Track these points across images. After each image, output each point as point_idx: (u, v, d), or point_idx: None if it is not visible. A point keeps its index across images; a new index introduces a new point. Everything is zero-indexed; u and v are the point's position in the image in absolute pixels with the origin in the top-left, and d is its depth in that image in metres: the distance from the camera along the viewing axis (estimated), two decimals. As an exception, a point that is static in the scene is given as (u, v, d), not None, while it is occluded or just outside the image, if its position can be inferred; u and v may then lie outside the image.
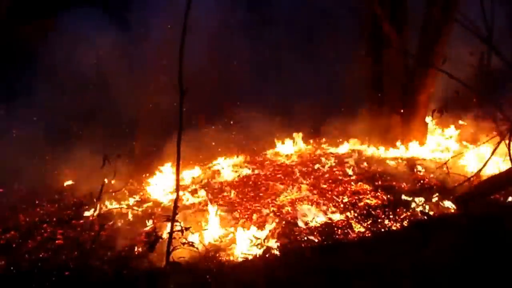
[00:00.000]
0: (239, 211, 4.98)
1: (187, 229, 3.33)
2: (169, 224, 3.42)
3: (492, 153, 4.77)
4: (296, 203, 5.03)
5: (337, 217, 4.74)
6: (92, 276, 3.85)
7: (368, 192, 5.23)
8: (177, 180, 3.27)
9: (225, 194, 5.50)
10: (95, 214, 4.64)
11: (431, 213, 4.70)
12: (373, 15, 6.72)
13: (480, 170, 5.08)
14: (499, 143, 4.83)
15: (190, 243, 3.48)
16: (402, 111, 6.79)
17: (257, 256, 4.03)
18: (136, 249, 4.31)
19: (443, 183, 5.28)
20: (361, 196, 5.13)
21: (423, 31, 6.62)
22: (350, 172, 5.81)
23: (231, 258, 4.08)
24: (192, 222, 4.47)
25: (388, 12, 6.62)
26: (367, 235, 4.27)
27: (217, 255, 4.09)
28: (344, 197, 5.15)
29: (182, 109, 3.12)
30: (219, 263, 3.92)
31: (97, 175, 4.34)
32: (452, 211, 4.69)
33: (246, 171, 6.20)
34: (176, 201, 3.33)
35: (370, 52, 7.05)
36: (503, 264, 3.25)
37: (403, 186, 5.34)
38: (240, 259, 4.03)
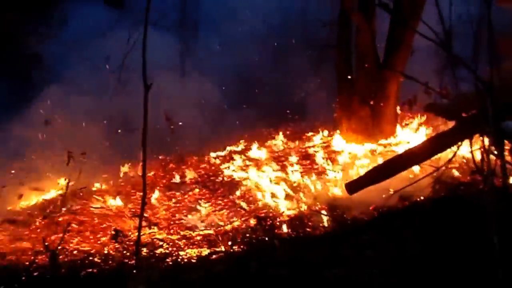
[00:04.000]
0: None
1: (155, 224, 3.30)
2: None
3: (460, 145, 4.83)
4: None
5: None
6: (61, 275, 3.79)
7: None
8: (144, 176, 3.22)
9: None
10: (61, 212, 4.56)
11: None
12: (343, 4, 6.77)
13: (451, 158, 5.14)
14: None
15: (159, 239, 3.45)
16: (372, 102, 6.83)
17: (227, 248, 4.02)
18: (104, 246, 4.25)
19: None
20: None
21: (392, 22, 6.71)
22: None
23: (202, 251, 4.06)
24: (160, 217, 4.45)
25: (357, 2, 6.66)
26: (335, 227, 4.30)
27: (186, 248, 4.06)
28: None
29: (147, 104, 3.06)
30: (189, 257, 3.89)
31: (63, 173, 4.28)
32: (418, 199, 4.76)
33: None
34: (144, 197, 3.29)
35: (340, 43, 7.09)
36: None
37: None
38: (210, 252, 4.01)
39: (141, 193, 3.33)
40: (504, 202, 3.06)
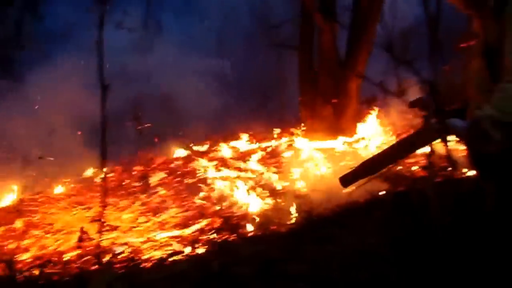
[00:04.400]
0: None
1: (116, 228, 3.27)
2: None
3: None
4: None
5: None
6: (21, 284, 3.69)
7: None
8: (104, 180, 3.20)
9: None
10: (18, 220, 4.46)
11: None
12: (304, 5, 6.86)
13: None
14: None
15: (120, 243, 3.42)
16: (334, 101, 6.93)
17: (192, 249, 4.01)
18: (64, 253, 4.17)
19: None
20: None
21: (352, 23, 6.84)
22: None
23: (165, 252, 4.03)
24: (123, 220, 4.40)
25: (318, 3, 6.75)
26: (299, 223, 4.34)
27: (149, 251, 4.03)
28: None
29: (105, 105, 3.04)
30: (152, 259, 3.87)
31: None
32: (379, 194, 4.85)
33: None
34: (103, 201, 3.27)
35: (302, 43, 7.17)
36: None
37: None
38: (173, 253, 3.99)
39: (103, 196, 3.33)
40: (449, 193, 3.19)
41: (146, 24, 9.65)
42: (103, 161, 3.12)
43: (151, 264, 3.84)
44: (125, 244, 4.03)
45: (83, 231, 3.93)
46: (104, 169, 3.36)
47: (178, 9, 9.91)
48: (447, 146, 2.47)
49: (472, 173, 5.02)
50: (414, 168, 5.46)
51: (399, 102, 6.07)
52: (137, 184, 5.80)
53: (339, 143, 6.69)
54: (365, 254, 3.49)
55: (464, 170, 5.04)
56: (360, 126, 7.01)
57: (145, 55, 8.76)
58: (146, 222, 4.58)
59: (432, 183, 4.10)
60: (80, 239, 3.73)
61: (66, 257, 4.09)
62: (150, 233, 4.40)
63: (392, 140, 6.35)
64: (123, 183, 5.87)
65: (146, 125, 7.05)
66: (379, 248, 3.53)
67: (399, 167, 5.33)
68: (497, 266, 2.49)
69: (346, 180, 2.75)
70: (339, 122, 6.91)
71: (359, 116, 7.05)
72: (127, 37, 8.24)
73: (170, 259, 3.94)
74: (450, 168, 4.02)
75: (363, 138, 6.76)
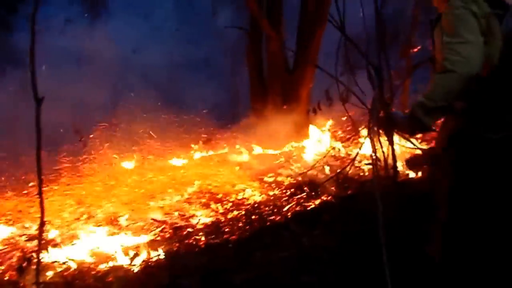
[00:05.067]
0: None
1: (57, 245, 3.16)
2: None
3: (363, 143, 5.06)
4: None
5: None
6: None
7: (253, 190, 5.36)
8: (41, 194, 3.08)
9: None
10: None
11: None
12: (251, 12, 6.90)
13: (355, 157, 5.36)
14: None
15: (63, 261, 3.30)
16: (285, 107, 6.98)
17: (141, 261, 3.94)
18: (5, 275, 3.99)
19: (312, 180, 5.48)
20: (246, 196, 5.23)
21: (299, 30, 6.93)
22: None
23: (113, 266, 3.93)
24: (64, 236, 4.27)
25: (264, 9, 6.80)
26: (249, 231, 4.34)
27: (96, 265, 3.93)
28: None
29: (39, 119, 2.93)
30: (99, 274, 3.77)
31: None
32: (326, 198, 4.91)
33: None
34: (42, 217, 3.14)
35: (251, 51, 7.21)
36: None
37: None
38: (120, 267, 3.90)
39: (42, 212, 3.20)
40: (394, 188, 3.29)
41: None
42: (39, 177, 3.01)
43: (97, 278, 3.74)
44: (72, 260, 3.90)
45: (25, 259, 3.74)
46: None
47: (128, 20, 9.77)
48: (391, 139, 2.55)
49: (414, 175, 5.24)
50: (363, 169, 5.60)
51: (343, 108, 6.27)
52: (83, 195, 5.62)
53: (290, 149, 6.74)
54: (312, 259, 3.53)
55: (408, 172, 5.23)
56: (309, 132, 7.09)
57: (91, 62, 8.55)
58: (91, 235, 4.46)
59: (379, 185, 4.20)
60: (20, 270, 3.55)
61: (8, 277, 3.91)
62: (96, 246, 4.29)
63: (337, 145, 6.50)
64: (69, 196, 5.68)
65: (89, 136, 6.86)
66: (326, 252, 3.58)
67: (349, 171, 5.45)
68: (442, 268, 2.57)
69: (412, 163, 2.76)
70: (290, 128, 6.96)
71: (309, 123, 7.12)
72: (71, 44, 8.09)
73: (117, 272, 3.86)
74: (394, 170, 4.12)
75: (315, 143, 6.85)
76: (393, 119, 2.47)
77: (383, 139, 2.75)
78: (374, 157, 2.64)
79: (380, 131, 2.69)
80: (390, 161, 2.95)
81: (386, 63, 3.04)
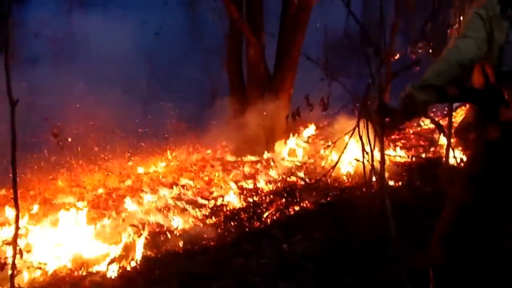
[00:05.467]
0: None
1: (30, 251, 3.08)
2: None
3: (344, 149, 5.07)
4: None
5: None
6: None
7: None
8: (16, 200, 3.02)
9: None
10: None
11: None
12: (231, 17, 6.89)
13: (337, 161, 5.38)
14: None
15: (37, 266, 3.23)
16: (264, 113, 6.97)
17: (118, 267, 3.88)
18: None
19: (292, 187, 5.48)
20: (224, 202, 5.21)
21: (280, 35, 6.94)
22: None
23: (88, 271, 3.86)
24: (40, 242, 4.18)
25: (245, 15, 6.81)
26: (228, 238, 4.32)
27: (71, 271, 3.86)
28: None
29: (14, 123, 2.87)
30: (74, 280, 3.70)
31: None
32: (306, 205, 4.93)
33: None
34: (16, 220, 3.07)
35: (231, 57, 7.20)
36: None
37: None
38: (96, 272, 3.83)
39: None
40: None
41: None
42: (14, 181, 2.95)
43: (73, 284, 3.67)
44: (45, 266, 3.82)
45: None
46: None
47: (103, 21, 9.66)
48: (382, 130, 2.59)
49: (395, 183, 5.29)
50: (343, 177, 5.62)
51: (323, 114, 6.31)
52: (57, 201, 5.52)
53: (268, 156, 6.73)
54: (291, 266, 3.53)
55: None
56: (289, 139, 7.10)
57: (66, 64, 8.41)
58: (66, 241, 4.37)
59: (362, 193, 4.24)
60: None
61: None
62: (70, 252, 4.21)
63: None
64: (45, 201, 5.58)
65: (67, 140, 6.74)
66: (305, 259, 3.58)
67: (328, 179, 5.47)
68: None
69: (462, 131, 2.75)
70: (270, 135, 6.95)
71: (289, 129, 7.12)
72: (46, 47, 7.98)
73: (93, 278, 3.79)
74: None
75: (294, 149, 6.86)
76: (386, 105, 2.55)
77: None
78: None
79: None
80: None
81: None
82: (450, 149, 4.99)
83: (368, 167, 3.66)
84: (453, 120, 5.42)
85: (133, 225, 4.67)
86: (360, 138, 3.79)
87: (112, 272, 3.83)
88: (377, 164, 3.24)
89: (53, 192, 5.79)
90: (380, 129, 2.65)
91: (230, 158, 6.79)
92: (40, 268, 3.30)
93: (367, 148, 3.55)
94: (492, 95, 2.37)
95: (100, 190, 5.85)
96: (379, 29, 3.15)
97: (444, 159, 5.20)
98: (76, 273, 3.84)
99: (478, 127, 2.43)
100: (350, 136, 5.16)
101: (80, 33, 9.30)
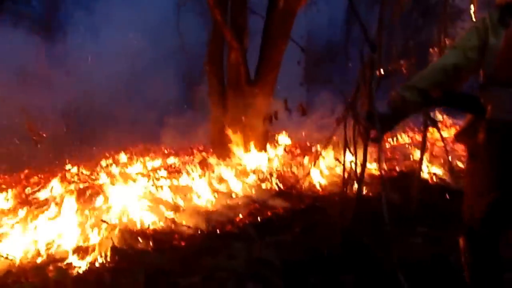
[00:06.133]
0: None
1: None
2: None
3: (318, 157, 5.15)
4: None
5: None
6: None
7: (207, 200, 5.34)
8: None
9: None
10: None
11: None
12: (215, 21, 6.90)
13: (311, 168, 5.45)
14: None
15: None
16: (243, 118, 6.99)
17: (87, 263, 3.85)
18: None
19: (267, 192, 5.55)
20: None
21: (263, 41, 6.98)
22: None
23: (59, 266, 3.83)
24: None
25: (228, 19, 6.83)
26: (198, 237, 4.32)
27: (39, 265, 3.82)
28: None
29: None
30: (38, 273, 3.66)
31: None
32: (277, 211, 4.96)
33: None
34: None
35: (212, 60, 7.21)
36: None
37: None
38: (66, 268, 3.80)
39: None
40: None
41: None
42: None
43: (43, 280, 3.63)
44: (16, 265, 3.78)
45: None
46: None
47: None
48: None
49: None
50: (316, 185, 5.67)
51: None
52: (33, 196, 5.48)
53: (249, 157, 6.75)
54: (260, 267, 3.54)
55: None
56: (267, 144, 7.15)
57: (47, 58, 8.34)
58: (39, 237, 4.33)
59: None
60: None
61: None
62: (41, 247, 4.17)
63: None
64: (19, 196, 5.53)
65: (42, 135, 6.69)
66: (272, 260, 3.60)
67: (303, 186, 5.53)
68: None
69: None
70: (249, 139, 6.97)
71: (267, 134, 7.17)
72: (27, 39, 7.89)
73: (64, 273, 3.75)
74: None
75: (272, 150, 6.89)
76: (375, 109, 2.77)
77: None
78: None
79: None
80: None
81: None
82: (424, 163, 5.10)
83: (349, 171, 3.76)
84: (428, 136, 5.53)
85: (104, 221, 4.66)
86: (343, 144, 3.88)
87: (79, 262, 3.83)
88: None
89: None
90: (367, 134, 2.78)
91: (207, 160, 6.79)
92: (6, 258, 3.24)
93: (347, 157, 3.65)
94: (473, 100, 2.50)
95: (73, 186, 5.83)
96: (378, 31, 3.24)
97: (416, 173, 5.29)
98: (44, 265, 3.82)
99: (473, 131, 2.53)
100: (326, 145, 5.28)
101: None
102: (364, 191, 5.34)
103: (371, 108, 2.83)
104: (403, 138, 8.05)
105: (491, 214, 2.46)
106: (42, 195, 5.61)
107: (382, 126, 2.70)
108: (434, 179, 5.71)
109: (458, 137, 2.74)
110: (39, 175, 6.17)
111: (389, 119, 2.67)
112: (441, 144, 6.01)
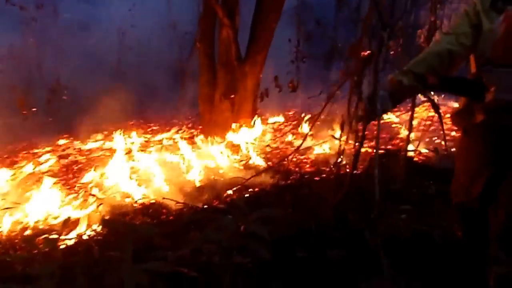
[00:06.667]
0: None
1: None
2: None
3: (307, 134, 5.18)
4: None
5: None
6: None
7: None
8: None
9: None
10: None
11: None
12: (206, -1, 6.85)
13: (301, 144, 5.47)
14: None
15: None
16: (233, 96, 6.99)
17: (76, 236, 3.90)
18: None
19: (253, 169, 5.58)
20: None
21: (254, 19, 6.94)
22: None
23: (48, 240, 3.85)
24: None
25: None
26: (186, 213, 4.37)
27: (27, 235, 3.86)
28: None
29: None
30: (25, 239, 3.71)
31: None
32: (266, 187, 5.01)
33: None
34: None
35: (203, 38, 7.16)
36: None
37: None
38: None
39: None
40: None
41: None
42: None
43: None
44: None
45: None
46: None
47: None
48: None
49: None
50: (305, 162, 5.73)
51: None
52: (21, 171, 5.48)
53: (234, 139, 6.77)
54: (247, 242, 3.59)
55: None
56: (256, 121, 7.15)
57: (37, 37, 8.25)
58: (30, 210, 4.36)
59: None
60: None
61: None
62: (30, 220, 4.20)
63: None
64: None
65: (32, 110, 6.65)
66: (259, 234, 3.65)
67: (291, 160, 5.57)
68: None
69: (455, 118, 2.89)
70: (237, 118, 6.98)
71: (256, 112, 7.18)
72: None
73: (54, 247, 3.78)
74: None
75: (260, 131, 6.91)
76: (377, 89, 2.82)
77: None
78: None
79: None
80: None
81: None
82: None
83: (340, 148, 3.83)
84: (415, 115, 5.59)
85: (93, 195, 4.70)
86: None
87: (67, 234, 3.88)
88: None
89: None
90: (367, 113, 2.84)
91: (196, 138, 6.80)
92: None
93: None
94: (469, 84, 2.57)
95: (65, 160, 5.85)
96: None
97: (402, 151, 5.36)
98: (33, 235, 3.86)
99: (469, 113, 2.59)
100: (314, 122, 5.31)
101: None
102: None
103: (375, 88, 2.91)
104: (391, 118, 8.11)
105: (486, 190, 2.55)
106: (30, 168, 5.62)
107: (382, 107, 2.78)
108: (420, 158, 5.80)
109: (453, 119, 2.80)
110: (30, 150, 6.17)
111: (388, 100, 2.75)
112: (428, 123, 6.09)
